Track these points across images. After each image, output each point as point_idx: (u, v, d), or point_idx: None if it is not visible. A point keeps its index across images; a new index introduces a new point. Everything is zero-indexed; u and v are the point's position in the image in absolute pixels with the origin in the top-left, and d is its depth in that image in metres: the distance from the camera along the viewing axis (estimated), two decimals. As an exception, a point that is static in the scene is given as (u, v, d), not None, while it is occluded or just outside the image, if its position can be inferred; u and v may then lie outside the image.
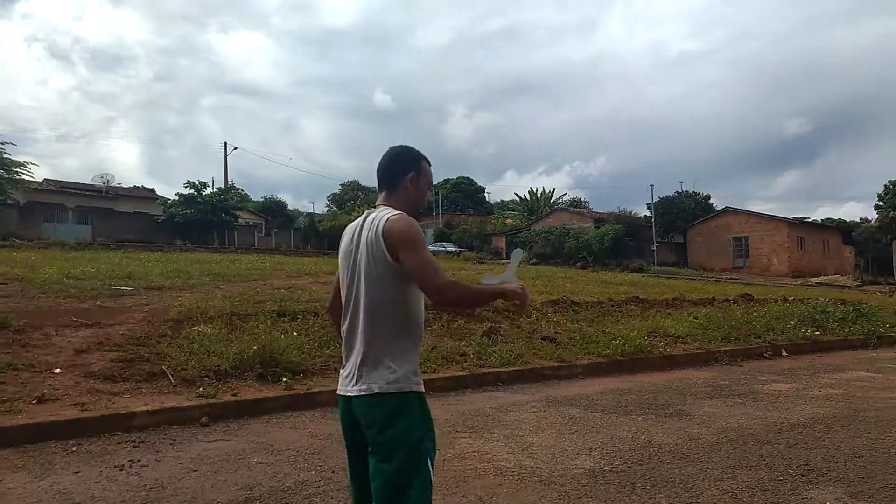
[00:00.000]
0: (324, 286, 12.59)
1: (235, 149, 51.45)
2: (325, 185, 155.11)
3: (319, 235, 51.79)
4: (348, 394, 2.11)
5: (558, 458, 4.50)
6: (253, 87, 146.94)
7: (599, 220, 47.53)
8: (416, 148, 2.32)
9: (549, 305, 11.29)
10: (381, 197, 2.27)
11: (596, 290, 15.63)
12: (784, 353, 10.52)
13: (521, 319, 10.18)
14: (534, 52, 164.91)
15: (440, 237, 54.50)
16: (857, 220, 57.82)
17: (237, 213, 43.84)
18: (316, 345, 7.44)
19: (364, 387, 2.05)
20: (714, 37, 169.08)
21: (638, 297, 13.81)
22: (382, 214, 2.13)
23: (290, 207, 67.10)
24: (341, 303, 2.23)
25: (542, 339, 9.00)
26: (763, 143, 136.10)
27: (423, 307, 2.21)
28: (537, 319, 10.29)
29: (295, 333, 7.64)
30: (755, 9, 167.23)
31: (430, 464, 2.07)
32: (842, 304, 14.94)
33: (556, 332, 9.45)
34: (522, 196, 63.38)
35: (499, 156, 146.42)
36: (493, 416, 5.81)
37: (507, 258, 45.26)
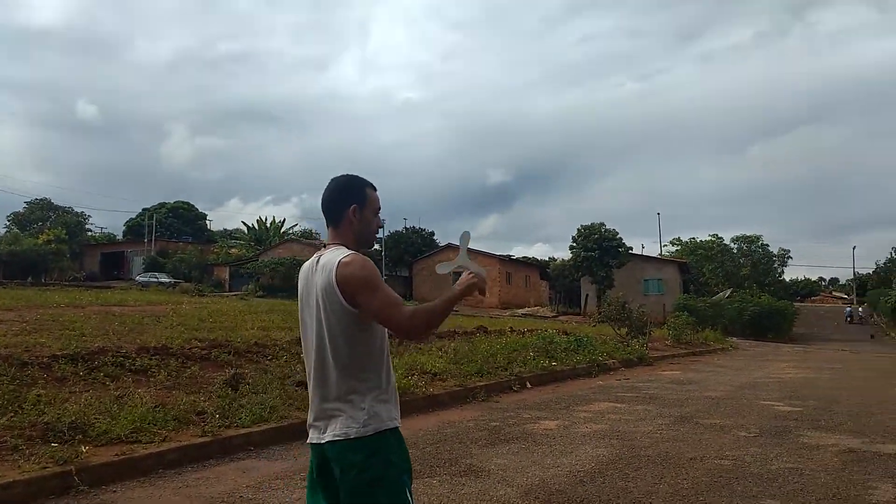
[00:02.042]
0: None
1: None
2: (4, 202, 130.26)
3: (-8, 261, 42.67)
4: (321, 441, 2.04)
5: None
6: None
7: (330, 252, 46.97)
8: (357, 175, 2.23)
9: (297, 344, 9.98)
10: (329, 233, 2.20)
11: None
12: (529, 385, 10.69)
13: (268, 363, 8.75)
14: (265, 81, 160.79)
15: (152, 266, 48.77)
16: (547, 259, 66.33)
17: None
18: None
19: (339, 433, 2.00)
20: (434, 90, 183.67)
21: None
22: (334, 257, 2.06)
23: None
24: None
25: (296, 385, 7.70)
26: (472, 189, 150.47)
27: (387, 339, 2.13)
28: (287, 361, 8.93)
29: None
30: (467, 70, 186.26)
31: (408, 494, 2.02)
32: (565, 334, 16.15)
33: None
34: (250, 225, 60.26)
35: (222, 182, 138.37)
36: (253, 499, 4.43)
37: (230, 290, 41.95)
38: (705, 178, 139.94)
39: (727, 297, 40.51)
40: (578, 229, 39.75)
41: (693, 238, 69.75)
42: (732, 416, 7.95)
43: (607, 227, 39.48)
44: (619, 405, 8.80)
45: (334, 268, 2.01)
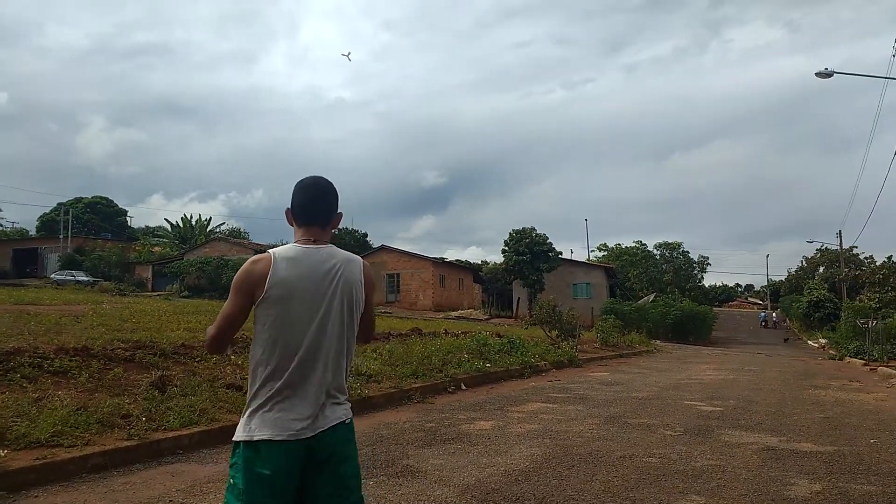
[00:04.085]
0: None
1: None
2: None
3: None
4: (318, 430, 2.05)
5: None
6: None
7: (260, 251, 45.73)
8: None
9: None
10: (313, 231, 2.20)
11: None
12: (463, 387, 10.78)
13: (196, 365, 8.48)
14: (187, 73, 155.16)
15: (68, 264, 46.30)
16: (480, 263, 67.03)
17: None
18: None
19: (345, 417, 2.14)
20: (366, 90, 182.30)
21: (319, 334, 13.03)
22: (351, 255, 2.23)
23: None
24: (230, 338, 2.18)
25: (227, 387, 7.50)
26: (406, 190, 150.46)
27: None
28: (216, 364, 8.68)
29: None
30: (400, 72, 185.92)
31: None
32: (498, 337, 16.37)
33: (243, 378, 8.01)
34: (174, 223, 58.21)
35: (143, 177, 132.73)
36: (184, 503, 4.29)
37: (153, 290, 40.32)
38: (630, 185, 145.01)
39: (651, 302, 42.04)
40: (510, 233, 40.33)
41: (619, 244, 72.18)
42: (658, 416, 8.25)
43: (538, 231, 40.23)
44: (551, 405, 9.00)
45: (361, 265, 2.23)
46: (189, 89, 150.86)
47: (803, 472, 5.43)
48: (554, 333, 18.80)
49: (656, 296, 49.01)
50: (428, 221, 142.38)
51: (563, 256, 45.12)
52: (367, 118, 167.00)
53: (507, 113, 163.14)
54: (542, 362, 14.40)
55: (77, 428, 5.35)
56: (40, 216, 63.79)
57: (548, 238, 40.13)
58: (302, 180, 2.26)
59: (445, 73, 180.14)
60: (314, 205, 2.22)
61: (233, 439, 2.08)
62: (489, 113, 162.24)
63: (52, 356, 7.32)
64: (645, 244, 70.89)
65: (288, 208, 2.27)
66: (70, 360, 7.33)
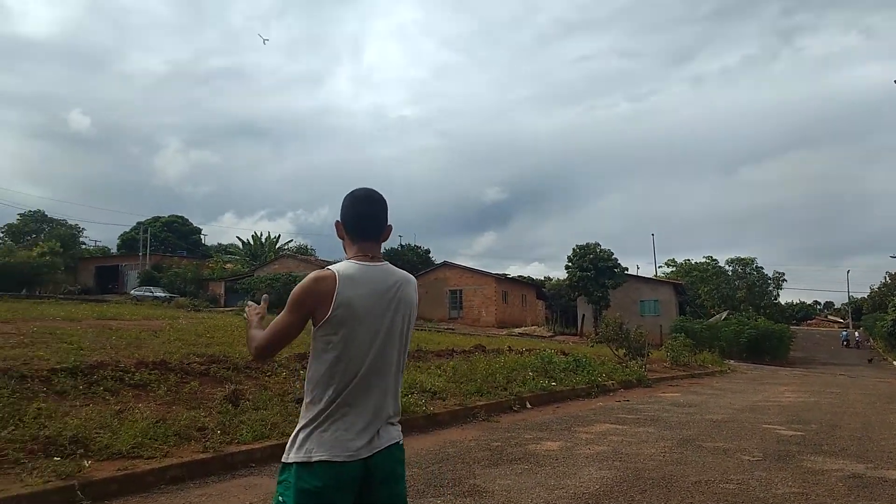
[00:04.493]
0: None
1: None
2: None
3: (-17, 272, 42.38)
4: (375, 451, 2.03)
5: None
6: None
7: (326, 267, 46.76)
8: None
9: (296, 360, 9.92)
10: (369, 247, 2.16)
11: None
12: (528, 406, 10.64)
13: (267, 379, 8.69)
14: (259, 96, 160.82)
15: (147, 280, 48.50)
16: (542, 279, 66.34)
17: None
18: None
19: (398, 437, 2.12)
20: (428, 107, 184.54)
21: (384, 350, 13.15)
22: (408, 275, 2.21)
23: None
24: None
25: (297, 401, 7.63)
26: (468, 207, 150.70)
27: None
28: (286, 378, 8.87)
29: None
30: (462, 89, 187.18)
31: None
32: (563, 354, 16.11)
33: (311, 394, 8.15)
34: (245, 240, 60.06)
35: (216, 196, 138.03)
36: (257, 516, 4.38)
37: (225, 306, 41.54)
38: (698, 199, 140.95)
39: (723, 320, 40.51)
40: (574, 249, 39.81)
41: (688, 260, 70.08)
42: (735, 440, 7.91)
43: (602, 247, 39.58)
44: (620, 427, 8.76)
45: (416, 286, 2.20)
46: (260, 111, 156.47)
47: (893, 501, 5.07)
48: (621, 352, 18.37)
49: (729, 313, 47.21)
50: (490, 237, 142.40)
51: (629, 272, 44.20)
52: (429, 135, 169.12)
53: (570, 127, 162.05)
54: (610, 382, 14.06)
55: (156, 440, 5.56)
56: (121, 235, 67.11)
57: (612, 253, 39.43)
58: (355, 193, 2.20)
59: (507, 88, 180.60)
60: (370, 218, 2.17)
61: (284, 460, 2.00)
62: (551, 128, 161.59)
63: (132, 370, 7.65)
64: (716, 260, 68.63)
65: (338, 221, 2.20)
66: (149, 374, 7.64)
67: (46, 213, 66.75)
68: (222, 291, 47.95)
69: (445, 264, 49.23)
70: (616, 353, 18.44)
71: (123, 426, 5.63)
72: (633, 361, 17.45)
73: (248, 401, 7.29)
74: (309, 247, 64.96)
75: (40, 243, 51.53)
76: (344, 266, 2.08)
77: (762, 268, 69.82)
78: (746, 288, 67.37)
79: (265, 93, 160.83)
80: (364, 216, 2.16)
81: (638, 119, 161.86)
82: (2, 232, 64.92)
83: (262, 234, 59.71)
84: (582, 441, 7.57)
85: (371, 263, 2.11)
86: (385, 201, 2.21)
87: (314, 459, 1.94)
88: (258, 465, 5.72)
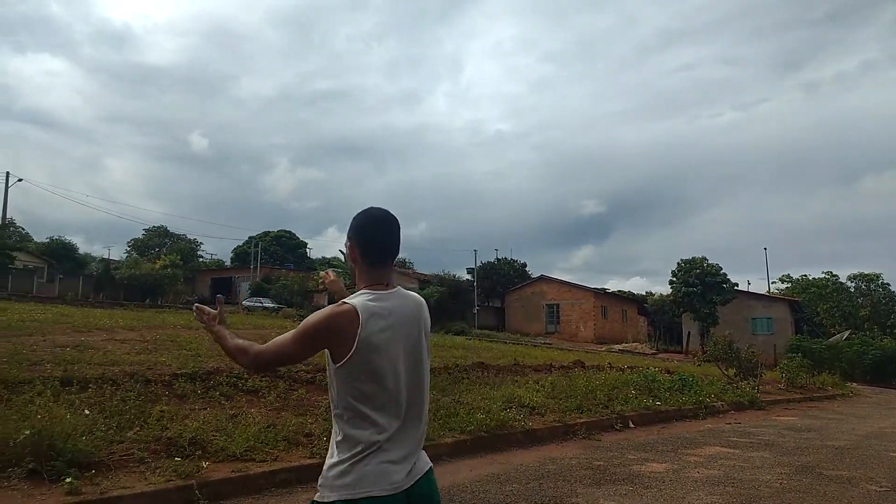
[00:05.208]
0: (122, 344, 10.32)
1: (19, 180, 44.70)
2: (126, 229, 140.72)
3: (115, 284, 46.10)
4: (416, 478, 1.98)
5: None
6: (50, 117, 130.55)
7: (425, 281, 47.56)
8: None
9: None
10: (381, 270, 2.05)
11: (434, 354, 14.76)
12: (631, 425, 10.29)
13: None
14: (361, 115, 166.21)
15: (257, 292, 51.11)
16: (644, 294, 64.13)
17: (13, 253, 37.55)
18: (114, 426, 5.55)
19: (429, 467, 2.07)
20: (525, 122, 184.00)
21: (482, 363, 13.15)
22: (419, 297, 2.13)
23: (80, 251, 58.94)
24: None
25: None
26: (565, 220, 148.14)
27: None
28: (387, 388, 9.04)
29: (86, 411, 5.68)
30: (557, 103, 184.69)
31: None
32: (668, 373, 15.49)
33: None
34: (347, 254, 62.00)
35: (321, 211, 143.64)
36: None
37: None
38: (814, 211, 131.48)
39: (845, 340, 37.57)
40: (679, 263, 38.36)
41: (805, 275, 65.63)
42: (860, 468, 7.29)
43: (709, 261, 37.85)
44: (731, 450, 8.29)
45: (426, 305, 2.12)
46: (362, 130, 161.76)
47: None
48: (731, 372, 17.42)
49: (851, 333, 43.73)
50: (587, 251, 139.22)
51: (739, 288, 41.97)
52: (526, 149, 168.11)
53: (672, 138, 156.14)
54: (719, 403, 13.36)
55: (267, 444, 5.82)
56: (234, 248, 71.21)
57: (721, 268, 37.68)
58: (370, 212, 2.07)
59: (605, 100, 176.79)
60: (390, 241, 2.05)
61: (319, 500, 1.87)
62: (651, 138, 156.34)
63: (245, 376, 8.06)
64: (836, 276, 63.84)
65: (349, 244, 2.07)
66: (261, 381, 8.02)
67: (168, 229, 72.03)
68: (325, 303, 49.58)
69: (542, 278, 48.73)
70: (725, 372, 17.51)
71: (237, 430, 5.93)
72: (745, 382, 16.49)
73: (351, 410, 7.49)
74: (407, 260, 66.20)
75: (163, 256, 55.65)
76: (363, 301, 1.95)
77: (888, 284, 64.20)
78: (871, 306, 62.07)
79: (367, 112, 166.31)
80: (385, 238, 2.04)
81: (745, 128, 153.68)
82: (129, 246, 70.62)
83: (363, 248, 61.43)
84: (690, 464, 7.23)
85: (387, 292, 2.01)
86: (398, 222, 2.09)
87: (359, 496, 1.84)
88: (361, 473, 5.85)
